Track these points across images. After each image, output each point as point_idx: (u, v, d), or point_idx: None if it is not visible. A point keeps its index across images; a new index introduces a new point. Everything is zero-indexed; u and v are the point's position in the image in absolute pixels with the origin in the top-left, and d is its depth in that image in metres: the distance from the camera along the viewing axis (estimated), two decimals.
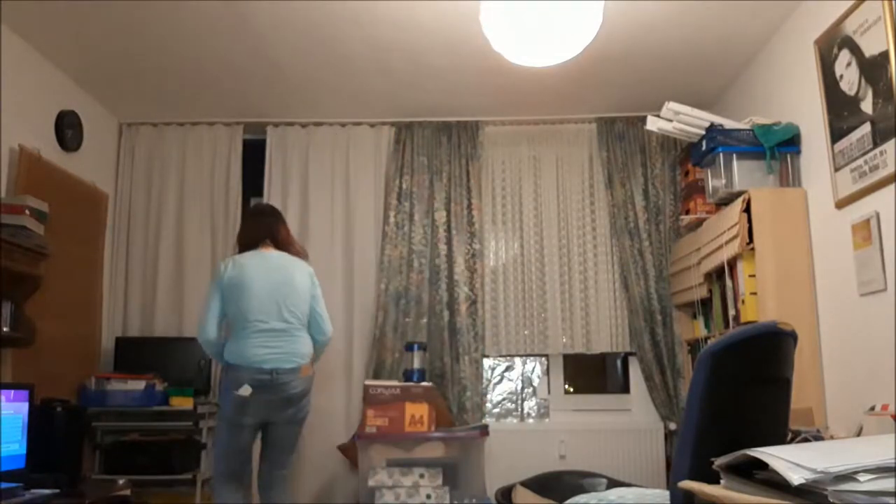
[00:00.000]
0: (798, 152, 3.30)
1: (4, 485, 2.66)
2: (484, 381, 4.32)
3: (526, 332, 4.33)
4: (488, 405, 4.48)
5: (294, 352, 3.15)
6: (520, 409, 4.55)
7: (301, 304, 3.24)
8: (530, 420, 4.51)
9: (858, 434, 2.62)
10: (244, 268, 3.19)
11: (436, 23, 3.38)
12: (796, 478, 1.07)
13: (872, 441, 1.30)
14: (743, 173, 3.35)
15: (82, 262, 4.00)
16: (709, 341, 2.89)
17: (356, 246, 4.38)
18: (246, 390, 3.00)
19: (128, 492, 3.15)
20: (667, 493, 2.13)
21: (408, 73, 3.91)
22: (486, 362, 4.47)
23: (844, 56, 2.83)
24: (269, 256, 3.27)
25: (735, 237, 3.27)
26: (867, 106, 2.69)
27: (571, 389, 4.52)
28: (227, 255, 4.28)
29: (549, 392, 4.44)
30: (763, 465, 1.16)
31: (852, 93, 2.79)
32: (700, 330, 3.94)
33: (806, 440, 2.42)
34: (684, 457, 1.57)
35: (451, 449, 3.65)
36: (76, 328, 3.92)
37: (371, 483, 3.52)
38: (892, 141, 2.53)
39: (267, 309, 3.13)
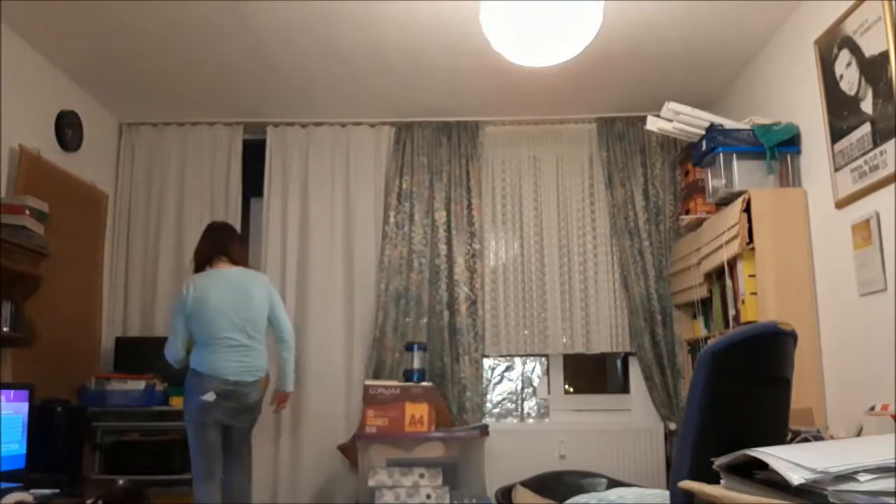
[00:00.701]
0: (798, 152, 3.30)
1: (4, 485, 2.66)
2: (484, 381, 4.32)
3: (526, 332, 4.33)
4: (488, 405, 4.48)
5: (256, 367, 3.41)
6: (520, 409, 4.55)
7: (260, 317, 3.48)
8: (530, 420, 4.51)
9: (858, 434, 2.62)
10: (206, 288, 3.40)
11: (436, 23, 3.38)
12: (796, 478, 1.07)
13: (872, 441, 1.30)
14: (743, 173, 3.35)
15: (82, 262, 4.00)
16: (709, 341, 2.89)
17: (356, 246, 4.38)
18: (211, 396, 3.27)
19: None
20: (667, 493, 2.13)
21: (408, 73, 3.91)
22: (486, 362, 4.47)
23: (844, 56, 2.83)
24: (226, 274, 3.48)
25: (735, 237, 3.27)
26: (867, 106, 2.69)
27: (571, 389, 4.52)
28: None
29: (549, 392, 4.44)
30: (763, 465, 1.16)
31: (852, 93, 2.79)
32: (700, 330, 3.94)
33: (806, 440, 2.42)
34: (684, 457, 1.57)
35: (451, 449, 3.65)
36: (76, 328, 3.92)
37: (371, 483, 3.53)
38: (892, 141, 2.53)
39: (231, 325, 3.37)
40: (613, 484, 3.79)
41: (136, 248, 4.39)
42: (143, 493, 3.29)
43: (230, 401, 3.31)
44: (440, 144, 4.45)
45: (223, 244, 3.55)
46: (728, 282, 3.44)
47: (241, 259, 3.61)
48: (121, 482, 3.23)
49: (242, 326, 3.37)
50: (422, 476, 3.53)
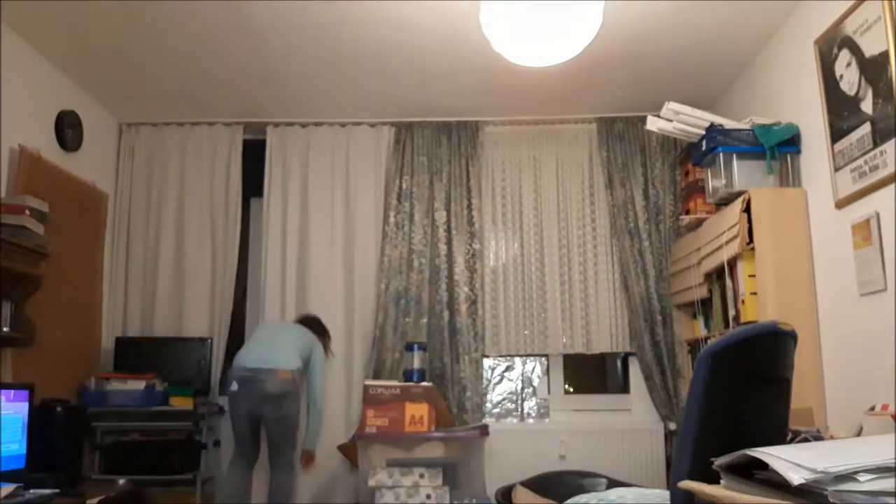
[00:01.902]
0: (798, 152, 3.30)
1: (4, 485, 2.66)
2: (484, 381, 4.32)
3: (526, 332, 4.33)
4: (488, 405, 4.48)
5: (274, 360, 3.64)
6: (520, 409, 4.55)
7: (294, 344, 3.77)
8: (530, 420, 4.50)
9: (858, 434, 2.62)
10: (260, 327, 4.01)
11: (436, 23, 3.38)
12: (796, 478, 1.07)
13: (872, 441, 1.30)
14: (743, 173, 3.35)
15: (82, 262, 4.00)
16: (709, 341, 2.89)
17: (356, 246, 4.38)
18: (234, 386, 3.62)
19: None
20: (667, 493, 2.13)
21: (408, 73, 3.91)
22: (486, 362, 4.47)
23: (844, 56, 2.83)
24: (288, 322, 4.05)
25: (735, 237, 3.27)
26: (867, 106, 2.69)
27: (571, 389, 4.52)
28: (228, 255, 4.39)
29: (549, 392, 4.44)
30: (763, 465, 1.16)
31: (852, 93, 2.79)
32: (700, 330, 3.94)
33: (806, 440, 2.42)
34: (684, 457, 1.56)
35: (451, 449, 3.65)
36: (76, 328, 3.92)
37: (371, 483, 3.53)
38: (892, 141, 2.53)
39: (263, 337, 3.79)
40: (613, 484, 3.78)
41: (136, 248, 4.39)
42: (143, 493, 3.29)
43: (249, 388, 3.57)
44: (440, 144, 4.45)
45: (306, 319, 4.02)
46: (728, 282, 3.44)
47: (313, 328, 3.96)
48: (121, 482, 3.23)
49: (273, 340, 3.74)
50: (422, 476, 3.53)
